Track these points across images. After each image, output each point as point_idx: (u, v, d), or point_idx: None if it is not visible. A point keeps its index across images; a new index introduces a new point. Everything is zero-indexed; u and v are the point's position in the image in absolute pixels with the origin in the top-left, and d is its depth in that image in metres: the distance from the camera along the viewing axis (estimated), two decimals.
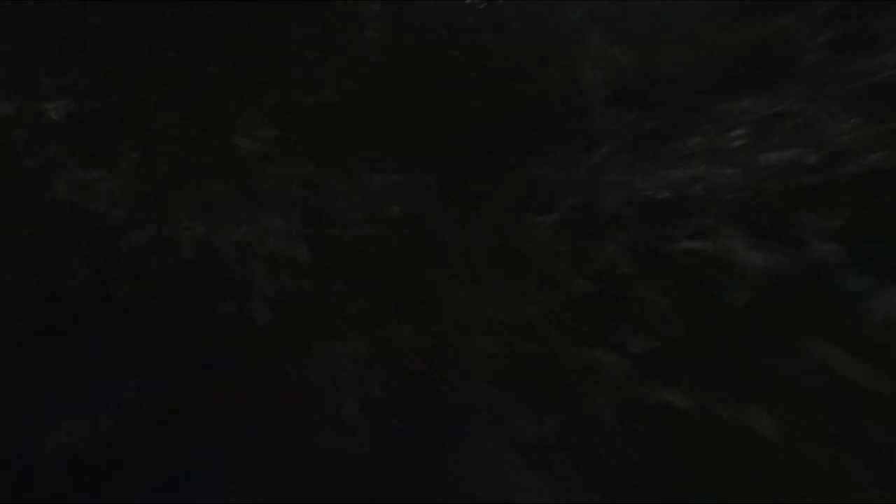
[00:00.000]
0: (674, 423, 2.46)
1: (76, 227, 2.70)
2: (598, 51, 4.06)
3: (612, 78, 4.26)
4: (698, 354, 2.54)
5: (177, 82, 4.19)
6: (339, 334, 2.73)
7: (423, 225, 4.24)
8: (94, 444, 2.27)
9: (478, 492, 2.56)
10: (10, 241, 2.81)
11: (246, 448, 2.28)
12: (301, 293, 2.77)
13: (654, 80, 4.14)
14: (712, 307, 2.53)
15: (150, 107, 3.93)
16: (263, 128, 3.63)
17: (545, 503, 2.52)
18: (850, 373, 2.26)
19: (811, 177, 2.55)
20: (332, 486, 2.32)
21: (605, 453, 2.76)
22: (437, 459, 2.57)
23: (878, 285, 2.33)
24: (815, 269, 2.35)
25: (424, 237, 4.15)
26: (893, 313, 2.27)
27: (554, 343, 3.37)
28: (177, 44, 4.41)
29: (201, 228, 2.71)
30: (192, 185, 3.09)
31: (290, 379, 2.42)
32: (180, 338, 2.39)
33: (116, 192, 2.81)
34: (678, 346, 2.65)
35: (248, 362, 2.36)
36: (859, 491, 2.13)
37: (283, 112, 4.08)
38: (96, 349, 2.41)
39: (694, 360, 2.53)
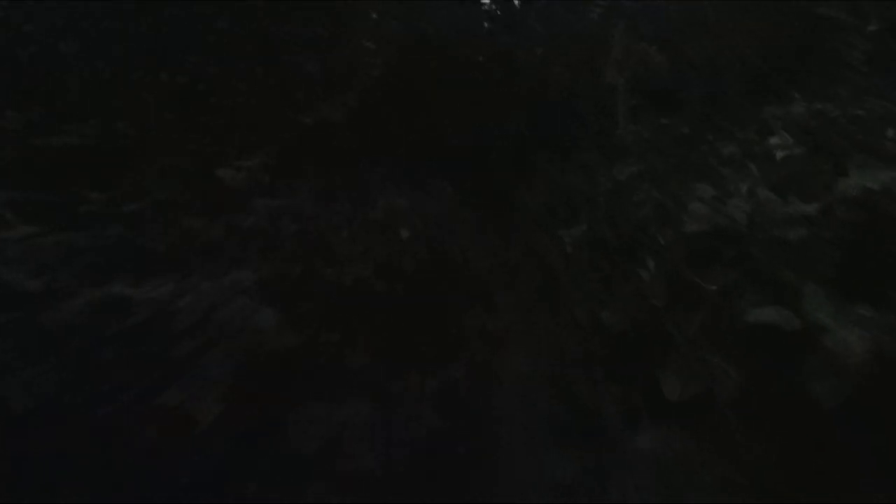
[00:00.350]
0: None
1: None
2: (622, 50, 3.66)
3: (639, 79, 3.87)
4: (751, 427, 2.14)
5: (171, 99, 3.91)
6: (331, 397, 2.38)
7: (434, 248, 3.92)
8: None
9: None
10: None
11: None
12: (280, 356, 2.41)
13: (684, 79, 3.73)
14: (770, 374, 2.13)
15: (138, 129, 3.65)
16: (255, 153, 3.32)
17: None
18: None
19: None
20: None
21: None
22: None
23: None
24: None
25: (436, 263, 3.83)
26: None
27: (581, 381, 3.03)
28: (173, 61, 4.14)
29: (160, 286, 2.38)
30: (166, 228, 2.78)
31: (262, 463, 2.05)
32: (106, 458, 2.00)
33: (65, 247, 2.49)
34: (725, 406, 2.26)
35: (192, 472, 1.97)
36: None
37: (279, 134, 3.78)
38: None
39: (743, 438, 2.13)
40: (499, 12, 7.78)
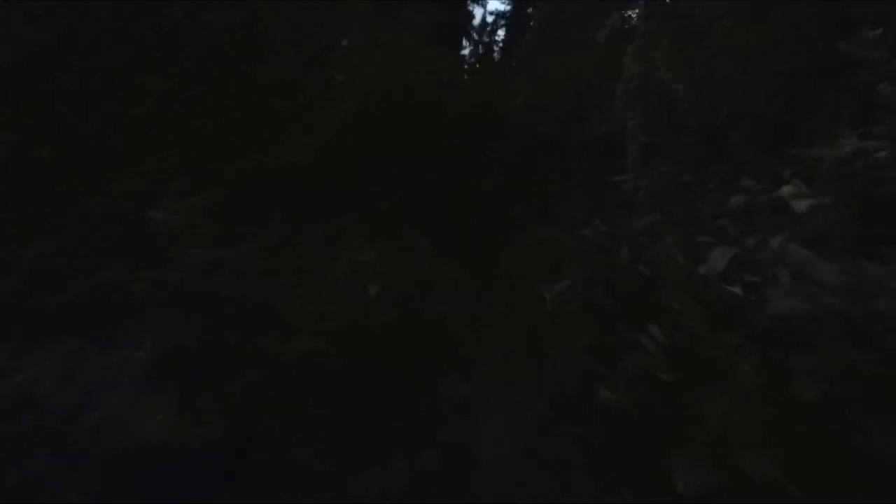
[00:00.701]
0: None
1: None
2: (631, 76, 3.27)
3: (632, 122, 3.49)
4: None
5: (112, 126, 3.43)
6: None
7: (406, 307, 3.46)
8: None
9: None
10: None
11: None
12: (194, 451, 1.88)
13: (692, 114, 3.34)
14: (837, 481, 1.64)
15: (64, 157, 3.16)
16: (198, 193, 2.85)
17: None
18: None
19: None
20: None
21: None
22: None
23: None
24: None
25: (407, 324, 3.37)
26: None
27: (574, 470, 2.57)
28: (130, 84, 3.68)
29: (42, 357, 1.85)
30: (72, 280, 2.27)
31: None
32: None
33: None
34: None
35: None
36: None
37: (231, 172, 3.31)
38: None
39: None
40: (478, 62, 7.57)
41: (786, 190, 2.58)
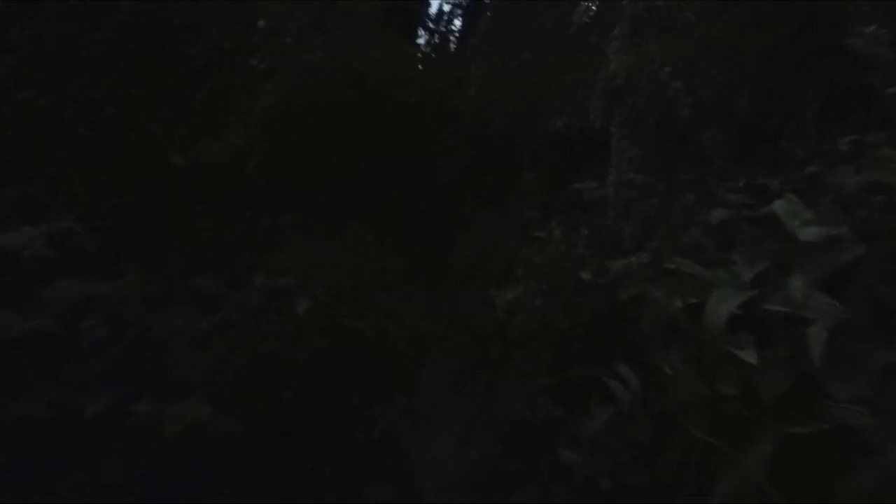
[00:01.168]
0: None
1: None
2: (610, 72, 2.83)
3: (601, 118, 3.08)
4: None
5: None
6: None
7: (342, 322, 3.03)
8: None
9: None
10: None
11: None
12: None
13: (675, 116, 2.92)
14: None
15: None
16: (79, 207, 2.35)
17: None
18: None
19: None
20: None
21: None
22: None
23: None
24: None
25: (344, 340, 2.95)
26: None
27: None
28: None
29: None
30: None
31: None
32: None
33: None
34: None
35: None
36: None
37: (127, 179, 2.79)
38: None
39: None
40: (433, 52, 7.15)
41: (778, 206, 2.17)
